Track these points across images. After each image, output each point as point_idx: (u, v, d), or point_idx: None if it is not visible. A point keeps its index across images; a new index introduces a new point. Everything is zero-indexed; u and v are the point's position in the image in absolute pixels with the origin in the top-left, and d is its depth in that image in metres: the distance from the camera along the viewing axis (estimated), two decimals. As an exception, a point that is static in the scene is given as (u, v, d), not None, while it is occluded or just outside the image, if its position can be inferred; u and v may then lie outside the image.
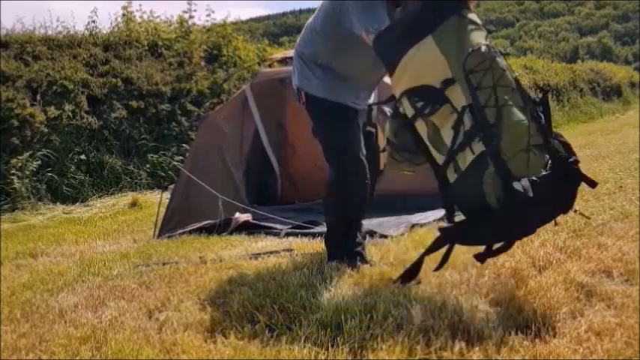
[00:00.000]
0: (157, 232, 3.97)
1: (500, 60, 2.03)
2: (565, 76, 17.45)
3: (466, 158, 2.02)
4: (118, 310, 2.29)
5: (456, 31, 2.08)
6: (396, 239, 3.15)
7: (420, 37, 2.09)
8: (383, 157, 3.94)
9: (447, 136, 2.09)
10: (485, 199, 1.93)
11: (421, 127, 2.17)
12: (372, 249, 2.90)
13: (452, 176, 2.10)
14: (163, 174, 7.02)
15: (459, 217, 2.21)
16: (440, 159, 2.14)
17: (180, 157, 7.15)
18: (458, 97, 2.04)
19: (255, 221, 3.84)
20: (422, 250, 2.79)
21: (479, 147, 1.98)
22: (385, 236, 3.25)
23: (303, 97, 2.70)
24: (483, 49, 2.01)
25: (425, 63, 2.11)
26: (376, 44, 2.27)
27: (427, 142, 2.18)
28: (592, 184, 2.01)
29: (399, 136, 2.31)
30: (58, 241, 4.12)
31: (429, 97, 2.10)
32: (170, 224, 3.99)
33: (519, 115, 1.97)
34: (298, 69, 2.73)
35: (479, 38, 2.07)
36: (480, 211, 1.97)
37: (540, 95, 2.08)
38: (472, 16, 2.14)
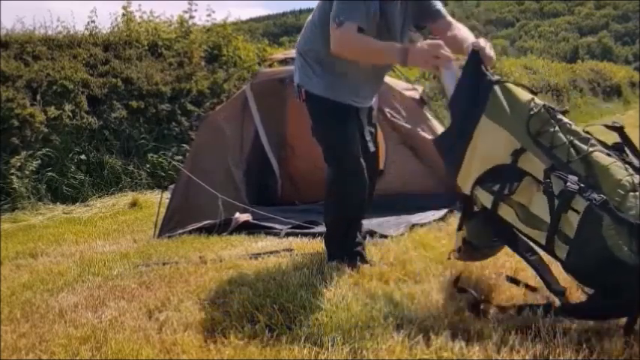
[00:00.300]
0: (157, 232, 3.97)
1: (561, 115, 1.91)
2: (565, 76, 17.47)
3: (571, 222, 1.76)
4: (118, 310, 2.29)
5: (501, 98, 1.93)
6: (396, 239, 3.15)
7: (476, 118, 1.95)
8: (383, 157, 3.97)
9: (540, 211, 1.84)
10: (614, 254, 1.67)
11: (506, 211, 1.91)
12: (372, 249, 2.90)
13: (562, 250, 1.80)
14: (163, 174, 7.02)
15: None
16: (542, 236, 1.85)
17: (180, 157, 7.16)
18: (534, 164, 1.85)
19: (255, 221, 3.84)
20: (422, 250, 2.81)
21: (581, 203, 1.74)
22: (385, 236, 3.25)
23: (303, 95, 2.68)
24: (542, 108, 1.88)
25: (487, 144, 1.94)
26: (440, 152, 2.16)
27: (520, 225, 1.89)
28: None
29: (475, 235, 2.13)
30: (58, 241, 4.12)
31: (504, 176, 1.89)
32: (170, 224, 3.99)
33: (608, 159, 1.81)
34: (299, 66, 2.72)
35: (526, 97, 1.94)
36: (613, 270, 1.69)
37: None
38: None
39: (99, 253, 3.56)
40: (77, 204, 6.13)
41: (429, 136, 4.18)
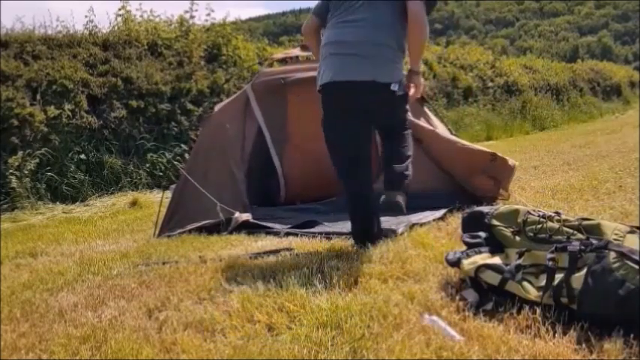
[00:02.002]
0: (157, 232, 3.96)
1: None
2: (565, 76, 17.47)
3: (579, 276, 1.88)
4: (117, 310, 2.29)
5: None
6: (396, 239, 3.15)
7: None
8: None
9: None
10: (626, 283, 1.76)
11: (514, 287, 2.02)
12: (372, 248, 2.90)
13: (573, 300, 1.88)
14: (161, 173, 7.02)
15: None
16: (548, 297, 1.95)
17: (180, 157, 7.17)
18: (539, 256, 2.08)
19: (255, 221, 3.83)
20: (421, 250, 2.81)
21: (588, 258, 1.90)
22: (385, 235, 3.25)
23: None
24: (527, 214, 2.25)
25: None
26: None
27: (525, 294, 2.00)
28: None
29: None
30: (58, 241, 4.12)
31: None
32: (170, 224, 3.99)
33: (595, 220, 2.14)
34: (393, 61, 2.91)
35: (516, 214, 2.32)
36: (630, 300, 1.74)
37: None
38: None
39: (99, 252, 3.56)
40: (77, 203, 6.13)
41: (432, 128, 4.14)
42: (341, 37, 2.92)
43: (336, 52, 2.90)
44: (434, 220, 3.60)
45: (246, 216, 3.82)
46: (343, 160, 3.01)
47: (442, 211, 3.71)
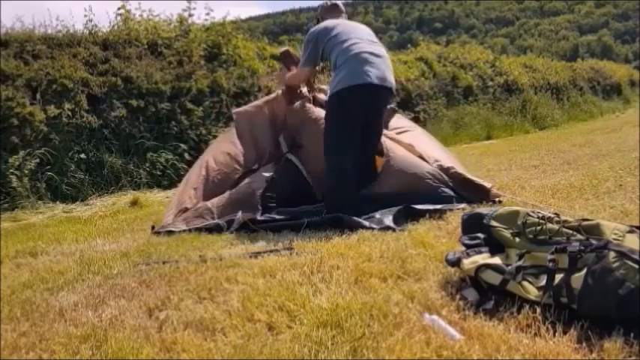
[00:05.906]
0: (158, 227, 3.97)
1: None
2: (565, 75, 17.47)
3: (579, 276, 1.87)
4: (118, 309, 2.30)
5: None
6: (396, 238, 3.15)
7: None
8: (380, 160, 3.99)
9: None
10: (626, 283, 1.75)
11: (515, 287, 2.02)
12: (372, 245, 2.90)
13: (573, 299, 1.87)
14: (160, 173, 7.02)
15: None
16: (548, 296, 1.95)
17: (177, 157, 7.17)
18: (539, 257, 2.07)
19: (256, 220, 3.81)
20: (422, 249, 2.82)
21: (588, 258, 1.88)
22: (387, 228, 3.33)
23: None
24: (527, 215, 2.23)
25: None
26: None
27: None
28: None
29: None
30: (58, 240, 4.12)
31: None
32: (174, 224, 3.98)
33: (594, 220, 2.14)
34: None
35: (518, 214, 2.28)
36: (631, 299, 1.73)
37: None
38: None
39: (99, 251, 3.56)
40: (77, 203, 6.13)
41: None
42: (375, 50, 3.79)
43: (375, 62, 3.72)
44: (433, 209, 3.63)
45: (249, 216, 3.78)
46: (344, 159, 3.74)
47: (439, 206, 3.71)
